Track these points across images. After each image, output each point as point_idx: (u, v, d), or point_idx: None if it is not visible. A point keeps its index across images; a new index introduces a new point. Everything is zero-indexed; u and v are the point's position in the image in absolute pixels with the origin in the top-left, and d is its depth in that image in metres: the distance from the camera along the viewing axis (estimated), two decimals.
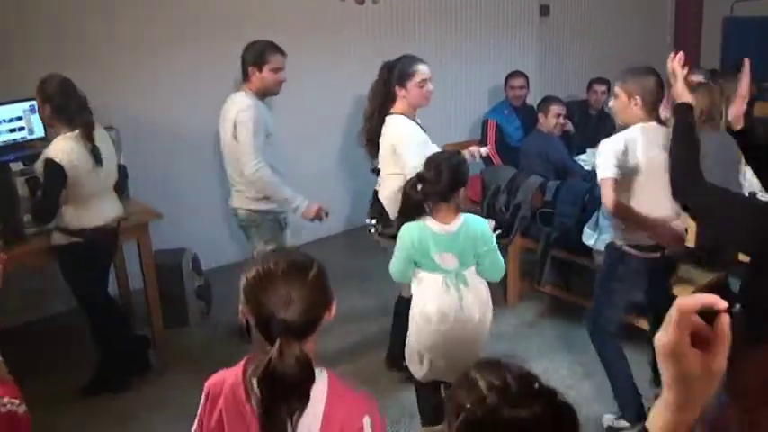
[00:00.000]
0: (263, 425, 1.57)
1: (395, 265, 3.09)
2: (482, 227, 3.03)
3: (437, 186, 2.95)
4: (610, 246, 3.56)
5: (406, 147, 3.63)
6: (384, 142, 3.75)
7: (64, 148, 3.58)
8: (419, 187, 2.99)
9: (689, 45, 9.57)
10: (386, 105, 3.77)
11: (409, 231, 3.01)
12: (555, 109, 5.12)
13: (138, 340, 4.27)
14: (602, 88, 6.23)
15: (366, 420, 1.63)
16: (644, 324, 4.04)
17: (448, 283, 2.98)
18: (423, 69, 3.69)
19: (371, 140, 3.89)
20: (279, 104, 5.59)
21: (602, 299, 3.58)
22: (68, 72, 3.74)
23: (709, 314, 0.96)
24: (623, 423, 3.60)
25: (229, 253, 5.49)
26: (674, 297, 3.68)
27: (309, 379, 1.57)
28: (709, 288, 4.26)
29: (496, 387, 1.32)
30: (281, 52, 4.02)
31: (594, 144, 5.76)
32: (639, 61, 8.29)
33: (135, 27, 4.97)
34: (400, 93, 3.67)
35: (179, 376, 4.06)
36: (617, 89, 3.40)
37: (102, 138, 3.79)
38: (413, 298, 3.13)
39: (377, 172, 3.93)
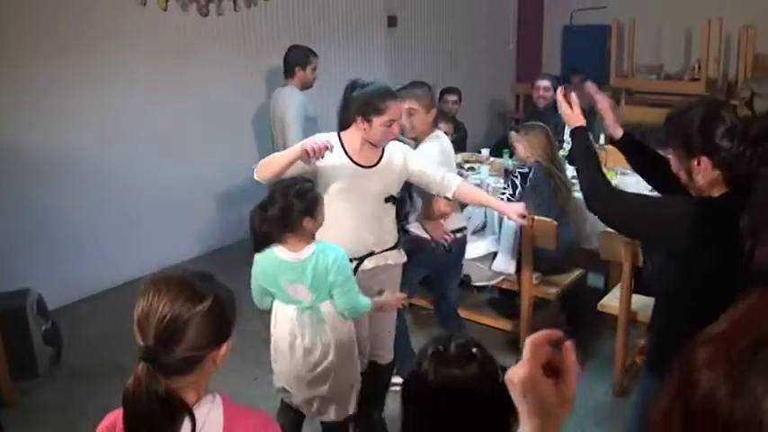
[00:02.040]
0: None
1: (253, 291, 2.97)
2: (335, 255, 2.81)
3: (281, 218, 2.75)
4: (407, 236, 3.76)
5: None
6: None
7: None
8: (262, 218, 2.80)
9: (531, 52, 9.95)
10: (340, 128, 3.30)
11: (258, 262, 2.88)
12: (443, 127, 4.89)
13: None
14: (454, 98, 6.37)
15: None
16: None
17: (303, 318, 2.86)
18: (394, 108, 3.13)
19: None
20: (115, 127, 5.36)
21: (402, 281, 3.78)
22: None
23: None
24: (399, 379, 3.79)
25: (77, 288, 5.14)
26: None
27: (171, 418, 1.47)
28: (571, 285, 4.38)
29: (438, 351, 1.53)
30: (316, 55, 5.31)
31: None
32: (486, 68, 8.59)
33: None
34: (361, 125, 3.11)
35: None
36: (414, 105, 3.55)
37: None
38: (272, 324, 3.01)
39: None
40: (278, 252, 2.80)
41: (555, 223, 3.96)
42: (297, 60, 5.22)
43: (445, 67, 8.13)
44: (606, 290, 4.39)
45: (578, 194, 4.55)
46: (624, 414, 3.73)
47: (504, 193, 4.34)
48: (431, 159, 3.51)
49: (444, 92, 6.42)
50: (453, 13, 8.59)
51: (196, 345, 1.49)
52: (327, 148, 2.95)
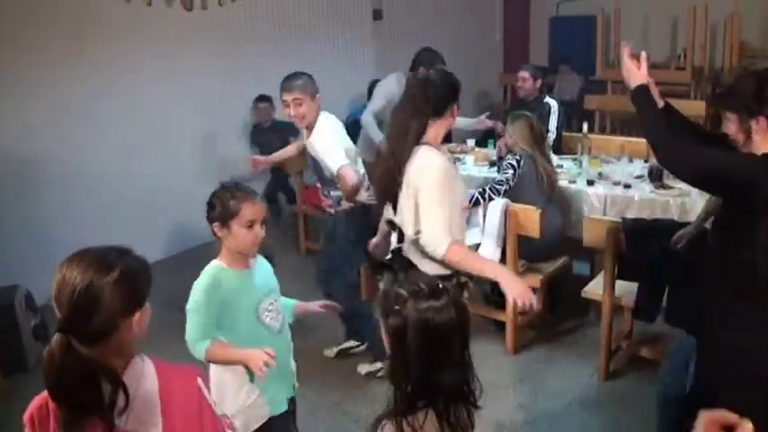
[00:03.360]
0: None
1: None
2: (199, 280, 2.50)
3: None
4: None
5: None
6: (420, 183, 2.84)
7: None
8: None
9: (518, 43, 9.98)
10: (420, 133, 2.86)
11: None
12: None
13: None
14: None
15: (199, 381, 1.71)
16: None
17: None
18: None
19: (391, 185, 2.93)
20: (116, 112, 5.37)
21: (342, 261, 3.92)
22: None
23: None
24: (379, 365, 4.03)
25: None
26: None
27: (95, 385, 1.53)
28: (556, 272, 4.41)
29: (415, 290, 1.82)
30: (445, 64, 5.05)
31: None
32: (473, 59, 8.60)
33: None
34: (455, 113, 2.90)
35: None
36: (300, 95, 3.72)
37: None
38: None
39: (394, 226, 3.05)
40: None
41: (539, 211, 3.99)
42: (422, 61, 5.17)
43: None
44: (592, 277, 4.42)
45: (563, 183, 4.65)
46: (609, 398, 3.79)
47: (506, 174, 4.34)
48: (339, 140, 3.78)
49: None
50: (439, 4, 8.62)
51: (108, 313, 1.55)
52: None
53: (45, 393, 1.60)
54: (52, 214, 5.14)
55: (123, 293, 1.57)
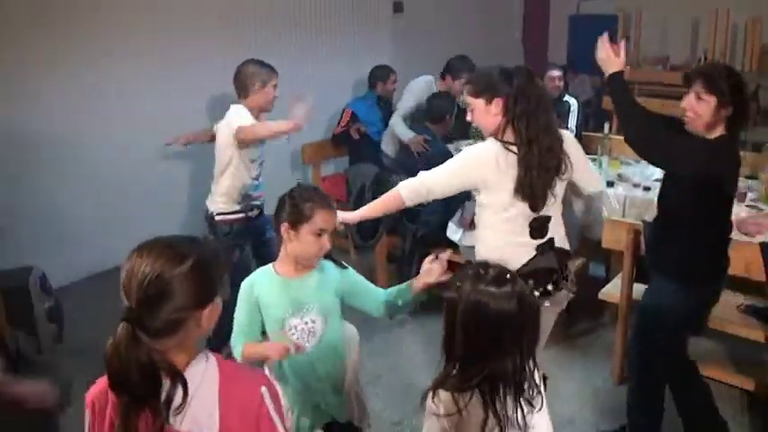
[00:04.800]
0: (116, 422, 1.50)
1: None
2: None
3: None
4: None
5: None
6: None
7: None
8: None
9: (537, 41, 9.93)
10: None
11: None
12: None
13: None
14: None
15: (263, 390, 1.59)
16: None
17: None
18: None
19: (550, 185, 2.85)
20: (117, 107, 5.36)
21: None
22: None
23: None
24: None
25: (80, 267, 5.17)
26: None
27: (156, 380, 1.47)
28: (574, 273, 4.37)
29: (478, 272, 1.86)
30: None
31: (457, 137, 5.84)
32: (492, 56, 8.57)
33: None
34: None
35: None
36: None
37: None
38: None
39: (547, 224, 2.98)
40: None
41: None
42: (453, 67, 5.70)
43: (450, 55, 8.11)
44: (607, 279, 4.40)
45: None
46: (622, 402, 3.76)
47: None
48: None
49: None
50: (459, 0, 8.60)
51: (178, 305, 1.48)
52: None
53: (103, 380, 1.55)
54: (70, 197, 5.16)
55: (195, 286, 1.50)
